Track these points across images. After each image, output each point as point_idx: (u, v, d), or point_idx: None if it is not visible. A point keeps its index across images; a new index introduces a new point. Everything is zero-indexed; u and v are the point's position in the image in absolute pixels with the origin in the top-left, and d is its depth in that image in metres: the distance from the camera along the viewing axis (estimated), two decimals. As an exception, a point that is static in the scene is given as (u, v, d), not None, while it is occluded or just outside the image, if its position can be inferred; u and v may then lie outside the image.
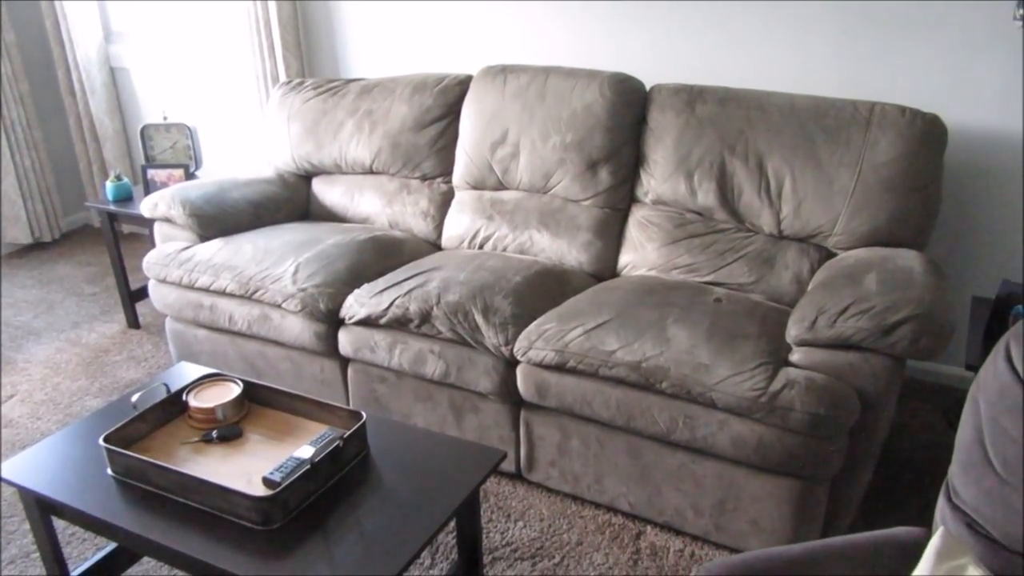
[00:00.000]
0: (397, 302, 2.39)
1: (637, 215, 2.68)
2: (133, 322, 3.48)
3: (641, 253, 2.62)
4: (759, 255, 2.46)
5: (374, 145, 3.03)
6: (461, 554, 1.92)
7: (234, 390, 1.97)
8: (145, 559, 2.16)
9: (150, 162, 3.38)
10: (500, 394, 2.31)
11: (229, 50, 3.70)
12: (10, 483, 1.81)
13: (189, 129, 3.37)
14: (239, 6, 3.49)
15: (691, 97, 2.58)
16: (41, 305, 3.73)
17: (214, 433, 1.89)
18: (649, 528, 2.23)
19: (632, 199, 2.72)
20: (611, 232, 2.71)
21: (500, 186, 2.87)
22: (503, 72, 2.87)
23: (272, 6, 3.40)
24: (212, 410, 1.92)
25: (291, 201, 3.17)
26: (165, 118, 3.39)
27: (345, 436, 1.76)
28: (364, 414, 1.85)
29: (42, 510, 1.85)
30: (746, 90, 2.56)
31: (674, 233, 2.58)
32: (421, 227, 3.00)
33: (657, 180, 2.60)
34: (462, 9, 3.22)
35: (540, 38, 3.12)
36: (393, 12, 3.36)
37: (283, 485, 1.64)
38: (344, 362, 2.60)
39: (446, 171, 3.00)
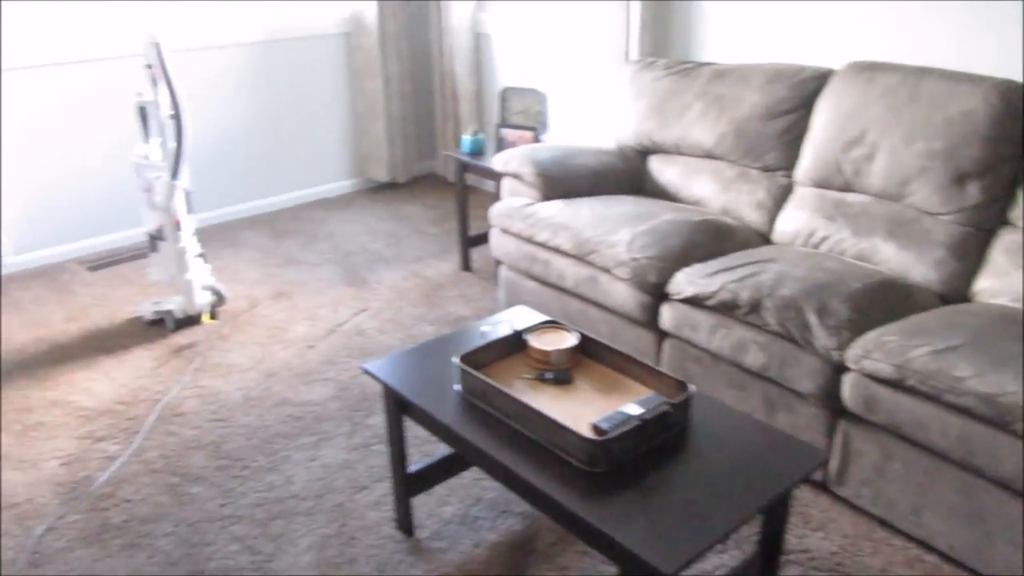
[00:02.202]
0: (728, 287, 2.40)
1: (1006, 239, 2.44)
2: (465, 265, 3.82)
3: (1005, 281, 2.38)
4: None
5: (719, 130, 3.04)
6: (761, 549, 1.91)
7: (570, 339, 2.11)
8: (464, 474, 2.40)
9: (504, 122, 3.67)
10: (820, 398, 2.24)
11: (587, 24, 3.88)
12: (377, 379, 2.10)
13: (542, 95, 3.60)
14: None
15: (1101, 116, 2.28)
16: (391, 237, 4.23)
17: (548, 375, 2.04)
18: None
19: (1002, 220, 2.48)
20: (970, 253, 2.49)
21: (847, 187, 2.75)
22: (871, 69, 2.73)
23: (639, -15, 3.50)
24: (549, 353, 2.07)
25: (627, 174, 3.29)
26: (524, 83, 3.64)
27: (675, 403, 1.83)
28: (691, 387, 1.89)
29: (398, 408, 2.13)
30: None
31: (1050, 265, 2.32)
32: (754, 217, 2.97)
33: (1039, 204, 2.35)
34: (824, 3, 3.10)
35: (908, 36, 2.92)
36: (752, 2, 3.33)
37: (611, 435, 1.74)
38: (661, 335, 2.67)
39: (788, 164, 2.94)
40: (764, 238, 2.94)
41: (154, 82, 2.93)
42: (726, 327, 2.42)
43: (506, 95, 3.66)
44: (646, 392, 1.98)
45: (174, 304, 3.31)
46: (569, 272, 2.85)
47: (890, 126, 2.61)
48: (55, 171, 3.86)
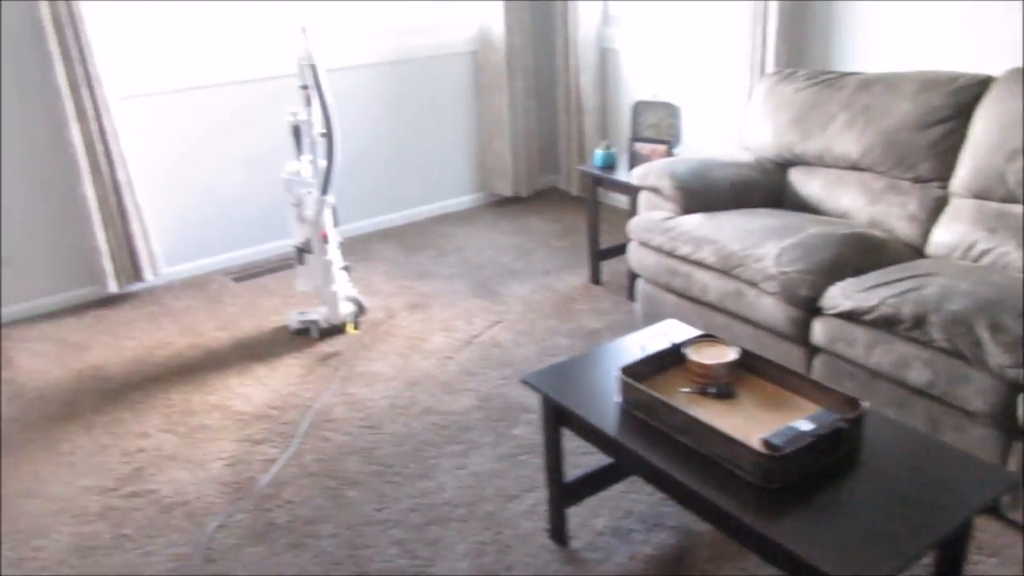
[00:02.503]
0: (889, 301, 2.33)
1: None
2: (595, 278, 3.84)
3: None
4: None
5: (866, 141, 2.97)
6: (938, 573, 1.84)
7: (730, 353, 2.10)
8: (614, 487, 2.41)
9: (636, 135, 3.67)
10: (993, 417, 2.15)
11: (719, 35, 3.86)
12: (537, 389, 2.13)
13: (675, 108, 3.60)
14: (741, -5, 3.63)
15: None
16: (519, 251, 4.29)
17: (711, 389, 2.03)
18: None
19: None
20: None
21: (1010, 198, 2.63)
22: (1038, 75, 2.62)
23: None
24: (711, 367, 2.06)
25: (766, 187, 3.24)
26: (656, 96, 3.64)
27: (849, 419, 1.79)
28: (864, 403, 1.85)
29: (557, 418, 2.16)
30: None
31: None
32: (905, 230, 2.88)
33: None
34: (974, 7, 2.99)
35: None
36: (895, 8, 3.23)
37: (786, 450, 1.71)
38: (811, 351, 2.62)
39: (943, 175, 2.84)
40: (917, 251, 2.84)
41: (308, 102, 3.07)
42: (886, 343, 2.36)
43: (638, 109, 3.67)
44: (812, 408, 1.94)
45: (319, 314, 3.45)
46: (713, 286, 2.83)
47: (1060, 134, 2.50)
48: (203, 187, 4.09)
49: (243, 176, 4.17)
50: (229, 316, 3.71)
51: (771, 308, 2.65)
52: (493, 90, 4.68)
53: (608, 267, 3.91)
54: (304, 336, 3.47)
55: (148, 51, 3.83)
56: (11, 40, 3.43)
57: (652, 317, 3.17)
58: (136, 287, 3.98)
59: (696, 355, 2.11)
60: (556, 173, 5.12)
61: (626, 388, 2.01)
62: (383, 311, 3.68)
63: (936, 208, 2.84)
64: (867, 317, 2.38)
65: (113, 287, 3.83)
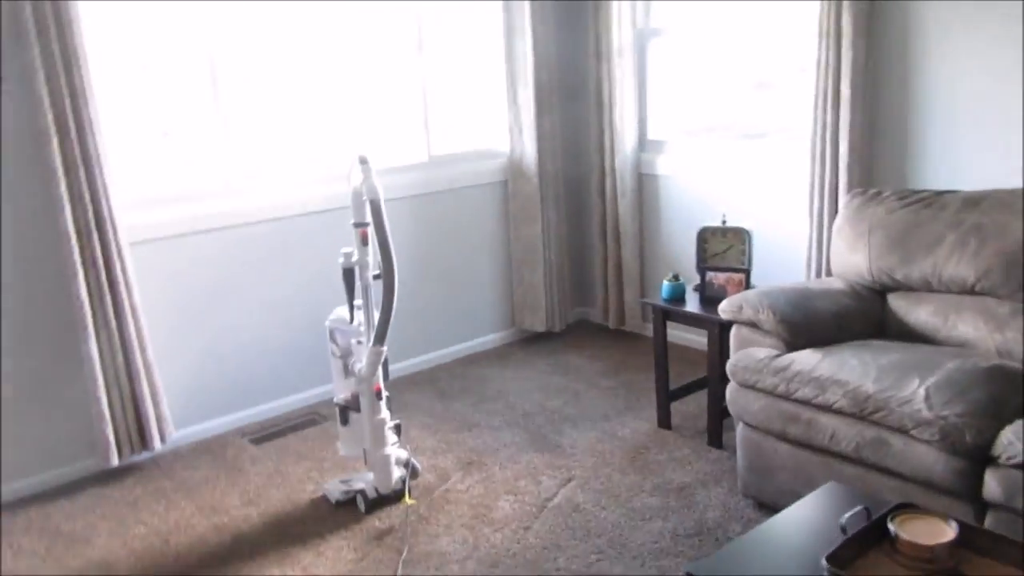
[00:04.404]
0: (1090, 449, 1.98)
1: None
2: (665, 422, 3.45)
3: None
4: None
5: (982, 263, 2.70)
6: None
7: (947, 529, 1.71)
8: None
9: (704, 263, 3.38)
10: None
11: (779, 156, 3.67)
12: (710, 589, 1.71)
13: (747, 233, 3.33)
14: (802, 110, 3.45)
15: None
16: (567, 393, 3.89)
17: (938, 577, 1.63)
18: None
19: None
20: None
21: None
22: None
23: (844, 114, 3.28)
24: (932, 548, 1.67)
25: (865, 316, 2.94)
26: (724, 222, 3.38)
27: None
28: None
29: (741, 626, 1.72)
30: None
31: None
32: (1044, 359, 2.57)
33: None
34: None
35: None
36: (981, 117, 3.06)
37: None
38: (982, 507, 2.23)
39: (1077, 297, 2.57)
40: (1061, 382, 2.52)
41: (364, 241, 2.73)
42: (1092, 497, 1.99)
43: (704, 235, 3.40)
44: (1077, 598, 1.55)
45: (365, 482, 2.98)
46: (844, 433, 2.46)
47: None
48: (217, 336, 3.66)
49: (261, 323, 3.76)
50: (255, 487, 3.21)
51: (926, 458, 2.28)
52: (525, 220, 4.41)
53: (677, 409, 3.52)
54: (349, 509, 2.98)
55: (160, 190, 3.48)
56: (12, 181, 3.05)
57: (757, 469, 2.77)
58: (141, 456, 3.46)
59: (906, 533, 1.71)
60: (589, 305, 4.80)
61: (840, 584, 1.60)
62: (433, 473, 3.22)
63: (1077, 333, 2.55)
64: (1062, 468, 2.02)
65: (115, 459, 3.31)
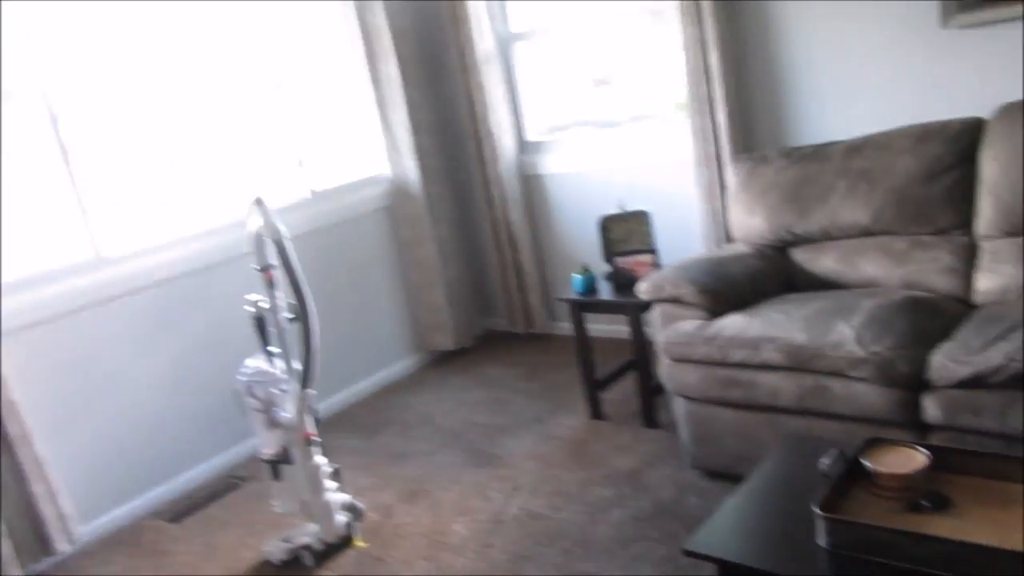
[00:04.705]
0: (1017, 356, 2.09)
1: None
2: (596, 413, 3.43)
3: None
4: None
5: (875, 204, 2.83)
6: None
7: (917, 455, 1.75)
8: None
9: (611, 250, 3.39)
10: None
11: (661, 137, 3.75)
12: (711, 558, 1.68)
13: (646, 215, 3.37)
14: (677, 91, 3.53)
15: None
16: (493, 404, 3.81)
17: (924, 503, 1.66)
18: None
19: None
20: None
21: (1048, 229, 2.54)
22: (1035, 106, 2.60)
23: (717, 86, 3.37)
24: (909, 477, 1.70)
25: (774, 274, 3.02)
26: (623, 208, 3.41)
27: None
28: None
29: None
30: None
31: None
32: (945, 284, 2.71)
33: None
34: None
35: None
36: (840, 70, 3.23)
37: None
38: (924, 431, 2.32)
39: (962, 223, 2.74)
40: (963, 303, 2.67)
41: (271, 284, 2.56)
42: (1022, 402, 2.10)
43: (606, 224, 3.41)
44: (1054, 496, 1.62)
45: (308, 535, 2.80)
46: (784, 387, 2.51)
47: (1084, 155, 2.44)
48: (111, 417, 3.35)
49: (157, 395, 3.47)
50: (185, 569, 2.95)
51: (866, 395, 2.35)
52: (417, 241, 4.30)
53: (605, 399, 3.51)
54: (295, 567, 2.79)
55: (22, 272, 3.15)
56: None
57: (703, 439, 2.79)
58: (46, 563, 3.11)
59: (881, 466, 1.74)
60: (494, 315, 4.74)
61: (836, 529, 1.60)
62: (376, 511, 3.06)
63: (969, 256, 2.71)
64: (994, 379, 2.12)
65: (15, 571, 2.97)
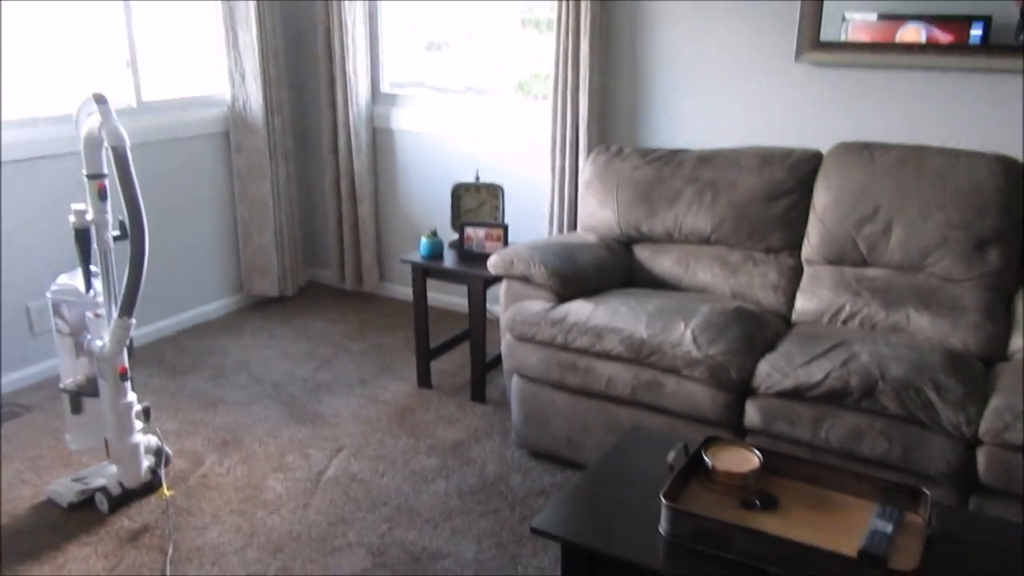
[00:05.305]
0: (834, 374, 2.30)
1: (1033, 298, 2.61)
2: (425, 381, 3.41)
3: (1048, 338, 2.54)
4: None
5: (717, 215, 3.01)
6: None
7: (751, 457, 1.88)
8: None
9: (459, 219, 3.37)
10: (952, 477, 2.20)
11: (521, 115, 3.75)
12: (557, 538, 1.72)
13: (499, 189, 3.37)
14: (540, 68, 3.54)
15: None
16: (316, 360, 3.67)
17: (754, 500, 1.79)
18: None
19: (1020, 281, 2.66)
20: (1000, 314, 2.64)
21: (863, 262, 2.82)
22: (867, 149, 2.86)
23: (583, 75, 3.42)
24: (744, 476, 1.83)
25: (617, 267, 3.13)
26: (478, 178, 3.39)
27: (928, 513, 1.66)
28: (927, 491, 1.75)
29: (588, 567, 1.75)
30: None
31: (1086, 319, 2.51)
32: (770, 299, 2.94)
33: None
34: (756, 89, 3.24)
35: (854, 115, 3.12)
36: (698, 84, 3.39)
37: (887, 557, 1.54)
38: (743, 435, 2.50)
39: (792, 245, 2.97)
40: (783, 319, 2.91)
41: (102, 195, 2.29)
42: (834, 416, 2.32)
43: (458, 191, 3.37)
44: (860, 504, 1.80)
45: (105, 477, 2.57)
46: (621, 378, 2.61)
47: (903, 200, 2.73)
48: None
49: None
50: (-52, 501, 2.61)
51: (697, 395, 2.50)
52: (252, 176, 4.04)
53: (434, 368, 3.49)
54: (87, 510, 2.54)
55: None
56: None
57: (533, 419, 2.85)
58: None
59: (721, 464, 1.86)
60: (321, 267, 4.56)
61: (676, 518, 1.69)
62: (184, 458, 2.86)
63: (793, 276, 2.95)
64: (812, 393, 2.33)
65: None
